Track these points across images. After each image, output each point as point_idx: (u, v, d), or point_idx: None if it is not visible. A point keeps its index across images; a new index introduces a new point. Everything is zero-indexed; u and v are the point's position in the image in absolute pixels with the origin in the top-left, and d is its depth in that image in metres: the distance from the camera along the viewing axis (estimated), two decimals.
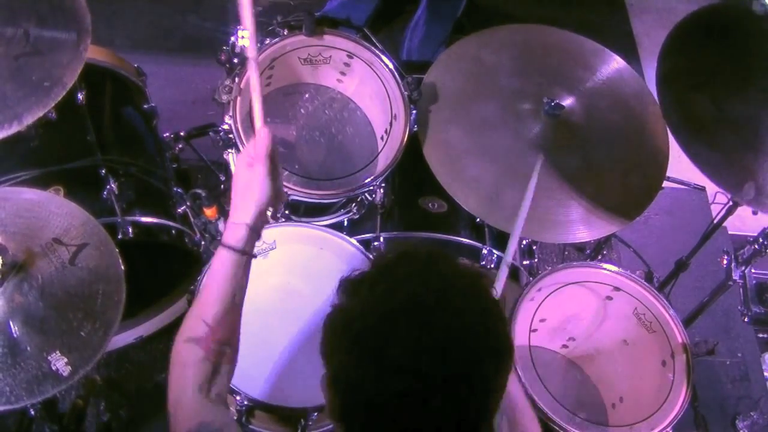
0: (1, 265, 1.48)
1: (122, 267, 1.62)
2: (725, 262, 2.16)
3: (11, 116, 1.65)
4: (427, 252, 1.07)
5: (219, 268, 1.32)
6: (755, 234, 2.08)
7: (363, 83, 2.17)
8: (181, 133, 2.38)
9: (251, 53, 1.36)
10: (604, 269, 2.04)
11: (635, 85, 2.09)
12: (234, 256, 1.30)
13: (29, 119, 1.66)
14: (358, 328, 0.98)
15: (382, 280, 1.02)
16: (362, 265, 1.89)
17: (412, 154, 1.95)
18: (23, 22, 1.77)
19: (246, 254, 1.32)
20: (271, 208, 1.36)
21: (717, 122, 1.80)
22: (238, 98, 1.96)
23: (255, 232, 1.33)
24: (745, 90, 1.84)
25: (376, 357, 0.95)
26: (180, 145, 2.37)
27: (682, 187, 2.77)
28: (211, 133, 2.35)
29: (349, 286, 1.03)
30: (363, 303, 1.00)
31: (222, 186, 2.51)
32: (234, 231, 1.31)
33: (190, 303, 1.80)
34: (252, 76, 1.40)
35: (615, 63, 2.10)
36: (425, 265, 1.03)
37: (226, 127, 2.00)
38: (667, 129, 1.89)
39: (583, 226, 1.87)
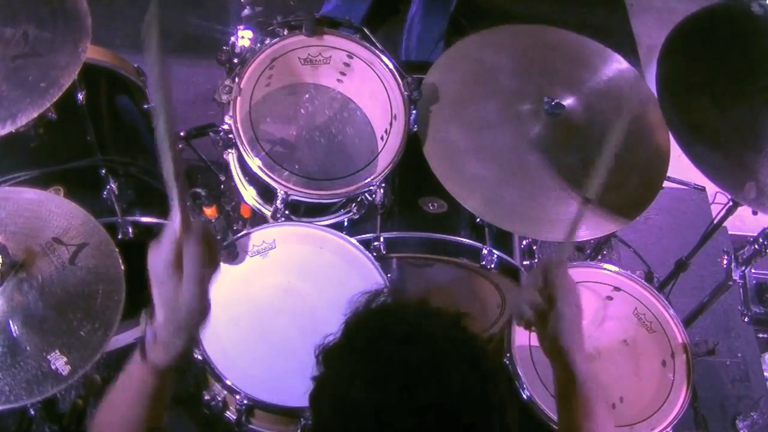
0: (1, 265, 1.48)
1: (122, 267, 1.62)
2: (725, 262, 2.16)
3: (6, 116, 1.65)
4: (397, 306, 1.05)
5: (140, 385, 1.09)
6: (755, 234, 2.08)
7: (363, 83, 2.17)
8: (181, 133, 2.38)
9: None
10: (604, 269, 2.04)
11: (636, 85, 2.08)
12: (160, 375, 1.09)
13: (24, 120, 1.66)
14: (333, 405, 0.97)
15: (351, 349, 1.00)
16: (364, 268, 1.89)
17: (412, 154, 1.95)
18: (23, 23, 1.77)
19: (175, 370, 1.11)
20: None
21: (717, 122, 1.80)
22: (238, 98, 1.96)
23: (186, 347, 1.09)
24: (745, 90, 1.84)
25: None
26: (180, 145, 2.37)
27: (682, 187, 2.77)
28: (211, 133, 2.35)
29: (323, 357, 1.01)
30: (330, 376, 0.99)
31: (222, 186, 2.51)
32: (160, 350, 1.07)
33: None
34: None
35: (616, 63, 2.10)
36: (396, 322, 1.00)
37: (226, 127, 1.99)
38: (668, 129, 1.89)
39: (582, 225, 1.86)
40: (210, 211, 1.76)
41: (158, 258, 1.02)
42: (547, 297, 1.30)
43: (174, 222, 1.01)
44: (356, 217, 2.06)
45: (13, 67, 1.71)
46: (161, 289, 1.03)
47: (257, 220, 2.13)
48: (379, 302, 1.05)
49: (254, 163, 1.92)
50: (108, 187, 1.97)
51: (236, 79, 1.97)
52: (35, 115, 1.67)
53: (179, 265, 1.02)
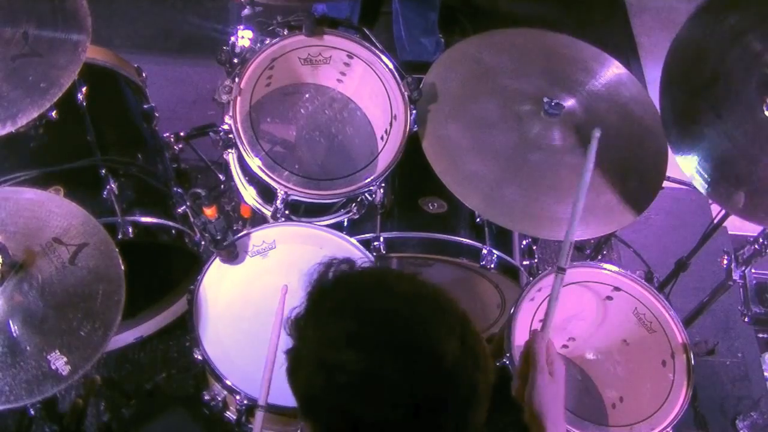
0: (1, 265, 1.48)
1: (122, 267, 1.62)
2: (725, 262, 2.16)
3: (5, 116, 1.65)
4: (362, 273, 1.06)
5: None
6: (755, 234, 2.08)
7: (363, 83, 2.17)
8: (181, 133, 2.38)
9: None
10: (604, 269, 2.04)
11: (635, 90, 2.09)
12: None
13: (24, 120, 1.66)
14: (309, 378, 0.97)
15: (317, 317, 1.00)
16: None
17: (412, 154, 1.95)
18: (23, 23, 1.77)
19: None
20: None
21: (713, 129, 1.80)
22: (238, 98, 1.96)
23: None
24: (745, 94, 1.84)
25: (339, 414, 0.95)
26: (180, 145, 2.37)
27: (682, 187, 2.77)
28: (211, 133, 2.35)
29: (293, 328, 1.02)
30: (306, 347, 0.99)
31: (222, 186, 2.51)
32: None
33: (189, 303, 1.80)
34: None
35: (614, 68, 2.10)
36: (360, 290, 1.02)
37: (226, 127, 2.00)
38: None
39: (583, 224, 1.87)
40: (210, 211, 1.76)
41: None
42: (527, 364, 1.37)
43: None
44: (356, 217, 2.06)
45: (13, 67, 1.71)
46: None
47: (257, 220, 2.14)
48: (337, 270, 1.07)
49: (254, 163, 1.92)
50: (108, 187, 1.97)
51: (236, 79, 1.97)
52: (35, 115, 1.67)
53: None
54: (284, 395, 1.69)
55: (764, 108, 1.72)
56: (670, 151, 1.99)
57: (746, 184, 1.72)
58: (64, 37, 1.76)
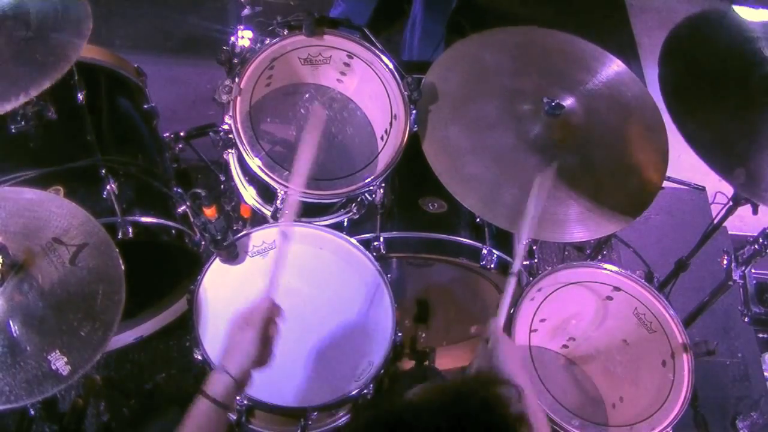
0: (1, 265, 1.48)
1: (122, 267, 1.62)
2: (725, 262, 2.16)
3: (18, 90, 1.67)
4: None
5: (202, 421, 1.34)
6: (755, 234, 2.08)
7: (363, 83, 2.17)
8: (181, 133, 2.38)
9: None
10: (604, 269, 2.04)
11: (636, 89, 2.09)
12: (216, 410, 1.34)
13: (35, 92, 1.68)
14: None
15: None
16: (364, 268, 1.89)
17: (412, 154, 1.95)
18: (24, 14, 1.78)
19: (227, 409, 1.36)
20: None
21: (715, 107, 1.81)
22: (238, 98, 1.96)
23: (238, 388, 1.38)
24: (746, 79, 1.85)
25: None
26: (180, 145, 2.37)
27: (682, 187, 2.77)
28: (211, 133, 2.35)
29: None
30: None
31: (222, 186, 2.51)
32: (219, 382, 1.36)
33: (189, 303, 1.80)
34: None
35: (615, 66, 2.10)
36: None
37: (226, 127, 2.00)
38: (665, 128, 1.89)
39: (583, 225, 1.87)
40: (210, 211, 1.75)
41: (239, 313, 1.47)
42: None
43: None
44: (356, 217, 2.06)
45: (19, 49, 1.73)
46: (231, 331, 1.44)
47: (257, 220, 2.13)
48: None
49: (254, 163, 1.92)
50: (108, 187, 1.97)
51: (236, 79, 1.97)
52: (47, 86, 1.69)
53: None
54: (283, 395, 1.70)
55: None
56: (670, 150, 2.00)
57: (746, 162, 1.75)
58: (67, 16, 1.77)
